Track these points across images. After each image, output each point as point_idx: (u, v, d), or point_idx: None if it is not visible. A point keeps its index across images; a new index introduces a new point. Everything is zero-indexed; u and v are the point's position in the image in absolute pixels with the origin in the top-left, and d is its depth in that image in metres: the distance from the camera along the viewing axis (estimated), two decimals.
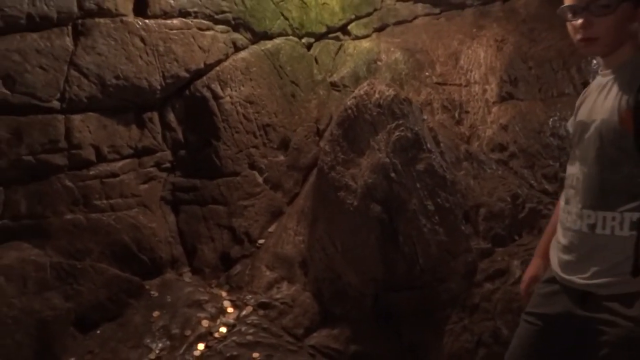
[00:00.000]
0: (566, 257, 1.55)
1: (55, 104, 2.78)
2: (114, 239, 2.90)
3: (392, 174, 2.67)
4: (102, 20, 2.89)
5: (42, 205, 2.75)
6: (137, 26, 2.99)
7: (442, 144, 2.94)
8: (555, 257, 1.60)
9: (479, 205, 2.89)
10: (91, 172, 2.89)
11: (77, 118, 2.84)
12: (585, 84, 3.11)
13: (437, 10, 4.15)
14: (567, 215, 1.56)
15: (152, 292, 2.91)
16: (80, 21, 2.84)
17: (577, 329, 1.53)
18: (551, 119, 3.10)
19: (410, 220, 2.66)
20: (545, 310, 1.59)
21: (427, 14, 4.11)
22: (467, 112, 3.44)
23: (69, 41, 2.80)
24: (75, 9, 2.83)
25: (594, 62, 3.25)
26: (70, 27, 2.81)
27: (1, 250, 2.61)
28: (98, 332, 2.72)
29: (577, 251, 1.53)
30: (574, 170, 1.57)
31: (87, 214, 2.84)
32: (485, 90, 3.47)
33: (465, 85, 3.54)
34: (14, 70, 2.65)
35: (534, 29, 3.64)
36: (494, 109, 3.36)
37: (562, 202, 1.62)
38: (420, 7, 4.13)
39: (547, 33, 3.55)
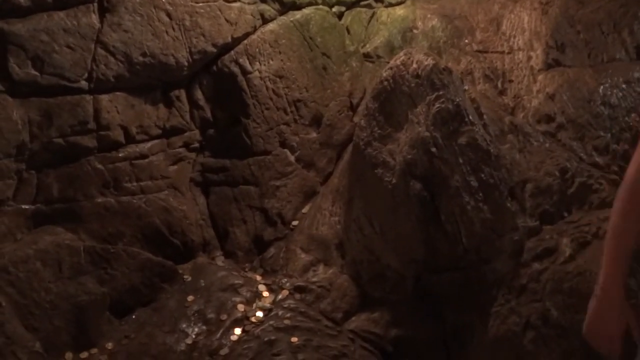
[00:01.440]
0: None
1: (83, 84, 2.93)
2: (145, 222, 3.06)
3: (433, 149, 2.73)
4: None
5: (73, 188, 2.92)
6: (163, 0, 3.10)
7: (485, 116, 2.96)
8: None
9: (525, 180, 2.93)
10: (120, 154, 3.04)
11: (104, 98, 2.99)
12: (639, 48, 3.14)
13: None
14: None
15: (185, 277, 3.06)
16: None
17: None
18: (602, 87, 3.09)
19: (452, 197, 2.73)
20: None
21: None
22: (510, 81, 3.46)
23: (95, 18, 2.93)
24: None
25: None
26: (95, 4, 2.94)
27: (36, 235, 2.80)
28: (133, 316, 2.89)
29: None
30: None
31: (117, 197, 3.01)
32: (529, 58, 3.48)
33: (508, 53, 3.55)
34: (42, 51, 2.80)
35: None
36: (540, 77, 3.37)
37: None
38: None
39: None
